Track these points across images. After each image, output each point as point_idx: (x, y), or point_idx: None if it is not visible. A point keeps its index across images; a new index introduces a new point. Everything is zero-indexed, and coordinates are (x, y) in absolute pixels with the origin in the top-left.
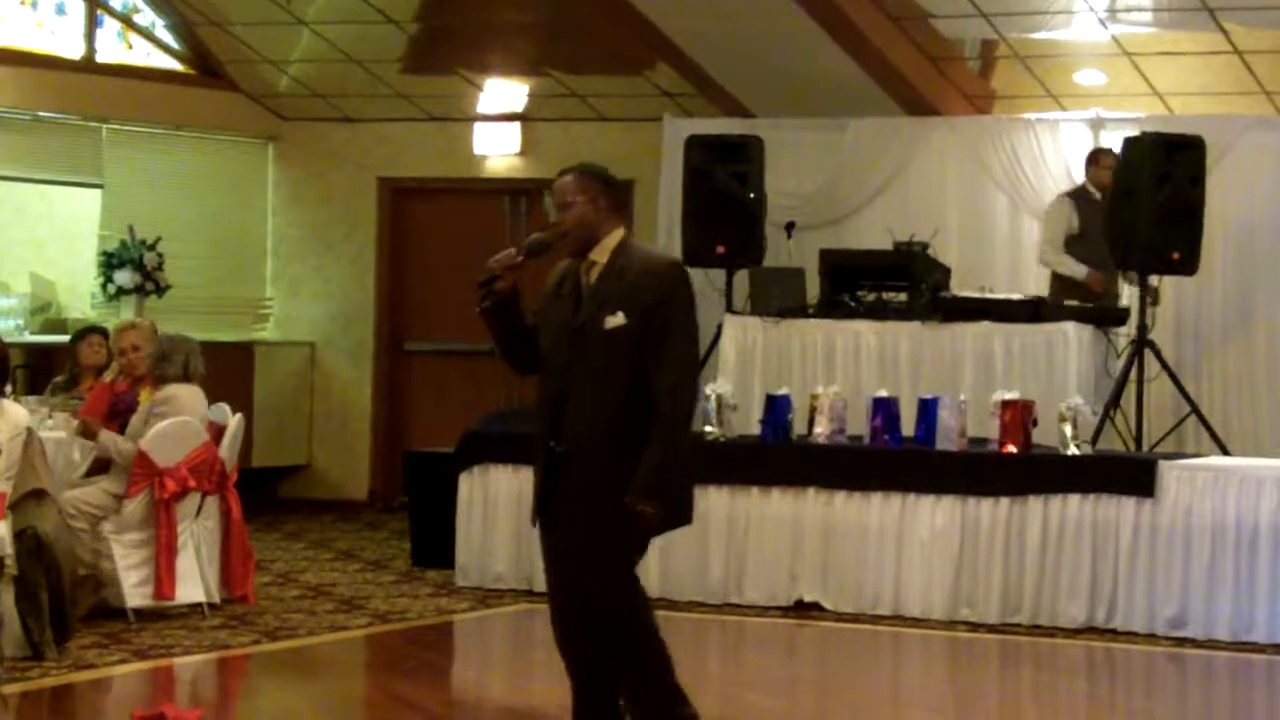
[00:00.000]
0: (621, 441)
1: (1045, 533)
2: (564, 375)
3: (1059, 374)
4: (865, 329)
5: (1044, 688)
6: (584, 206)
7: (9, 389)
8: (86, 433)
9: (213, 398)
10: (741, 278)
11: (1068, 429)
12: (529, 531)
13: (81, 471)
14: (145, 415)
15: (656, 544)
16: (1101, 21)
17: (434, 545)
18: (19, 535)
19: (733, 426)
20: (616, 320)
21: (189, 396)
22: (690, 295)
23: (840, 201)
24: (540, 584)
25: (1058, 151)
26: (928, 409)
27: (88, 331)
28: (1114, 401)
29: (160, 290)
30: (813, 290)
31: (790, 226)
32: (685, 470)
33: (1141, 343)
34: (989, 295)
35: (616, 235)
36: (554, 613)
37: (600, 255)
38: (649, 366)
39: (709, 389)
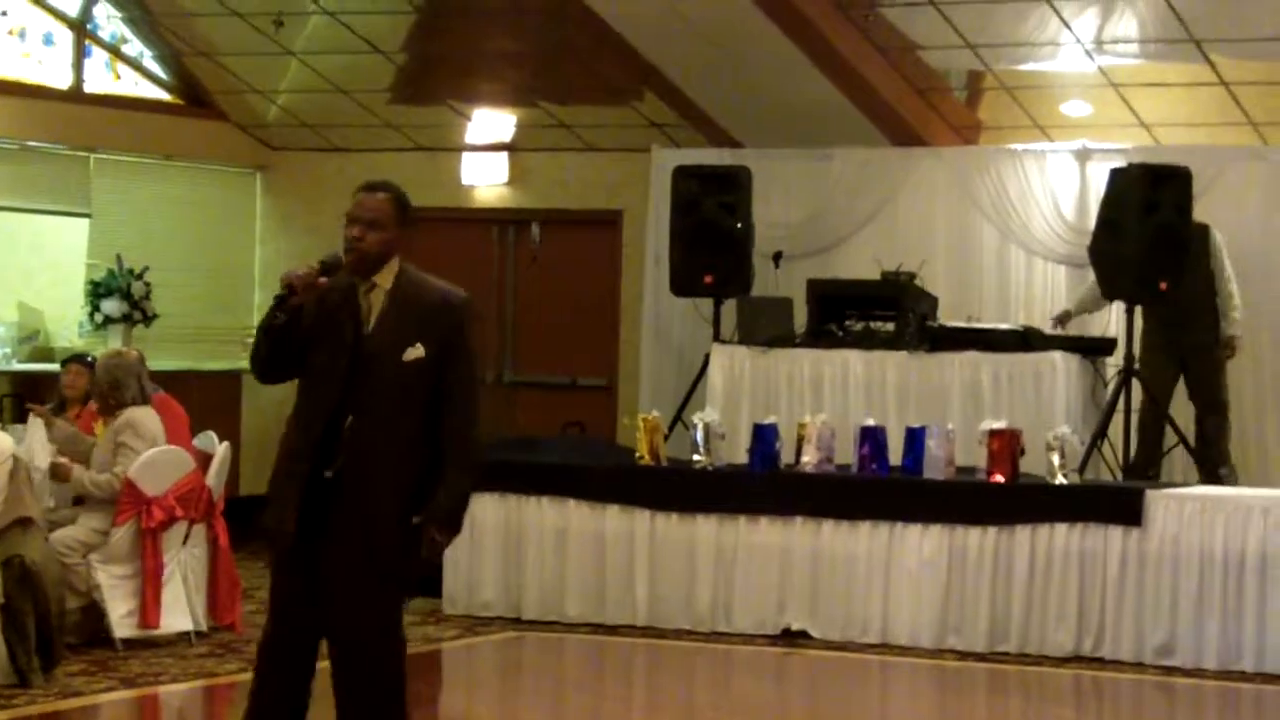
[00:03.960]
0: (413, 471)
1: (1033, 561)
2: (343, 397)
3: (1046, 403)
4: (853, 358)
5: (1032, 716)
6: (393, 231)
7: None
8: (58, 475)
9: (200, 426)
10: (729, 307)
11: (1055, 458)
12: (517, 559)
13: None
14: (110, 445)
15: (643, 571)
16: (1088, 53)
17: (421, 573)
18: (6, 563)
19: (720, 455)
20: (416, 352)
21: (145, 418)
22: (477, 327)
23: (828, 231)
24: (531, 611)
25: (1045, 182)
26: (915, 438)
27: (68, 362)
28: (1101, 431)
29: (148, 319)
30: (800, 320)
31: (778, 256)
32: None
33: (1129, 372)
34: (976, 325)
35: (397, 259)
36: (282, 653)
37: (384, 280)
38: (443, 398)
39: (697, 418)
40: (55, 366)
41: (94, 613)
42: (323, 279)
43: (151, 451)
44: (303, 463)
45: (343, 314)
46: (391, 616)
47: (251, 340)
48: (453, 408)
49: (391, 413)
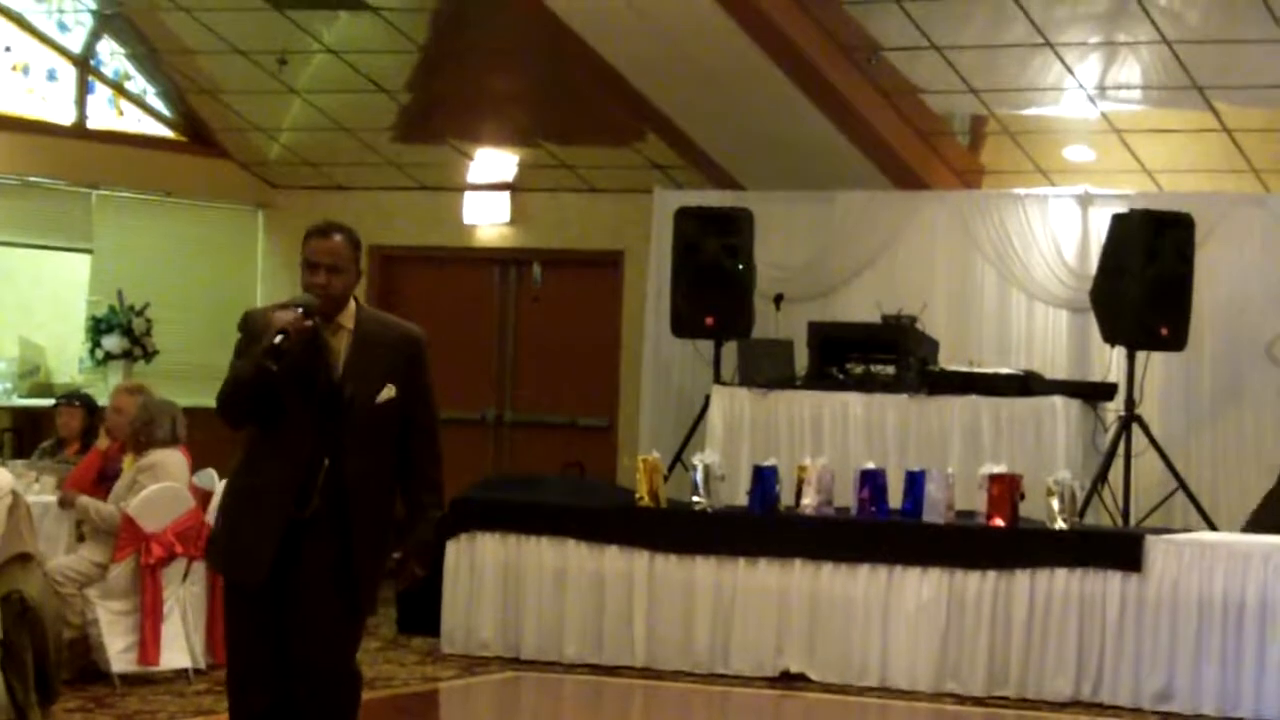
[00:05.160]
0: (388, 506)
1: (1032, 606)
2: (317, 441)
3: (1047, 448)
4: (853, 401)
5: None
6: (353, 272)
7: None
8: (64, 503)
9: (200, 463)
10: (730, 349)
11: (1055, 503)
12: (516, 599)
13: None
14: (130, 482)
15: (642, 612)
16: (1091, 99)
17: (420, 612)
18: (4, 599)
19: (720, 497)
20: (389, 393)
21: (172, 462)
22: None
23: (829, 274)
24: (529, 651)
25: (1046, 227)
26: (915, 481)
27: (62, 400)
28: (1101, 476)
29: (148, 356)
30: (801, 362)
31: (779, 298)
32: None
33: (1129, 418)
34: (977, 369)
35: (353, 298)
36: (249, 687)
37: (346, 320)
38: (410, 433)
39: (697, 459)
40: (54, 402)
41: (84, 645)
42: (308, 322)
43: (152, 488)
44: (277, 508)
45: (310, 358)
46: (355, 650)
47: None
48: (422, 443)
49: (366, 453)
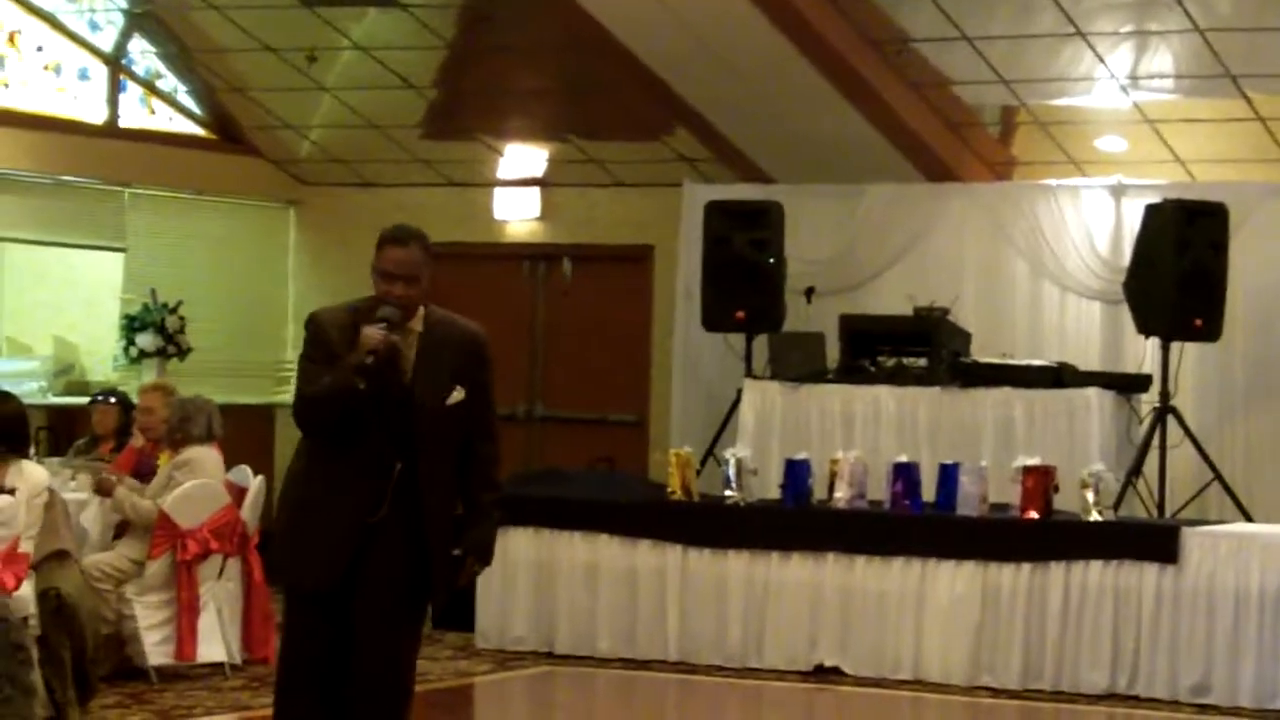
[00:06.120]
0: (453, 505)
1: (1067, 599)
2: (394, 446)
3: (1080, 440)
4: (885, 394)
5: None
6: (426, 279)
7: (31, 451)
8: (102, 489)
9: (234, 460)
10: (761, 343)
11: (1090, 495)
12: (549, 594)
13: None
14: (165, 479)
15: (675, 606)
16: (1123, 88)
17: (454, 607)
18: (42, 596)
19: (752, 491)
20: (458, 396)
21: (208, 459)
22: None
23: (860, 267)
24: (563, 646)
25: (1079, 218)
26: (948, 475)
27: (98, 398)
28: (1136, 468)
29: (182, 353)
30: (832, 355)
31: (810, 292)
32: None
33: (1164, 409)
34: (1009, 361)
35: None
36: (306, 695)
37: (416, 324)
38: (475, 434)
39: (729, 454)
40: (88, 400)
41: (121, 641)
42: (394, 338)
43: (187, 485)
44: (350, 514)
45: (385, 366)
46: (416, 658)
47: (285, 373)
48: (483, 442)
49: (436, 455)
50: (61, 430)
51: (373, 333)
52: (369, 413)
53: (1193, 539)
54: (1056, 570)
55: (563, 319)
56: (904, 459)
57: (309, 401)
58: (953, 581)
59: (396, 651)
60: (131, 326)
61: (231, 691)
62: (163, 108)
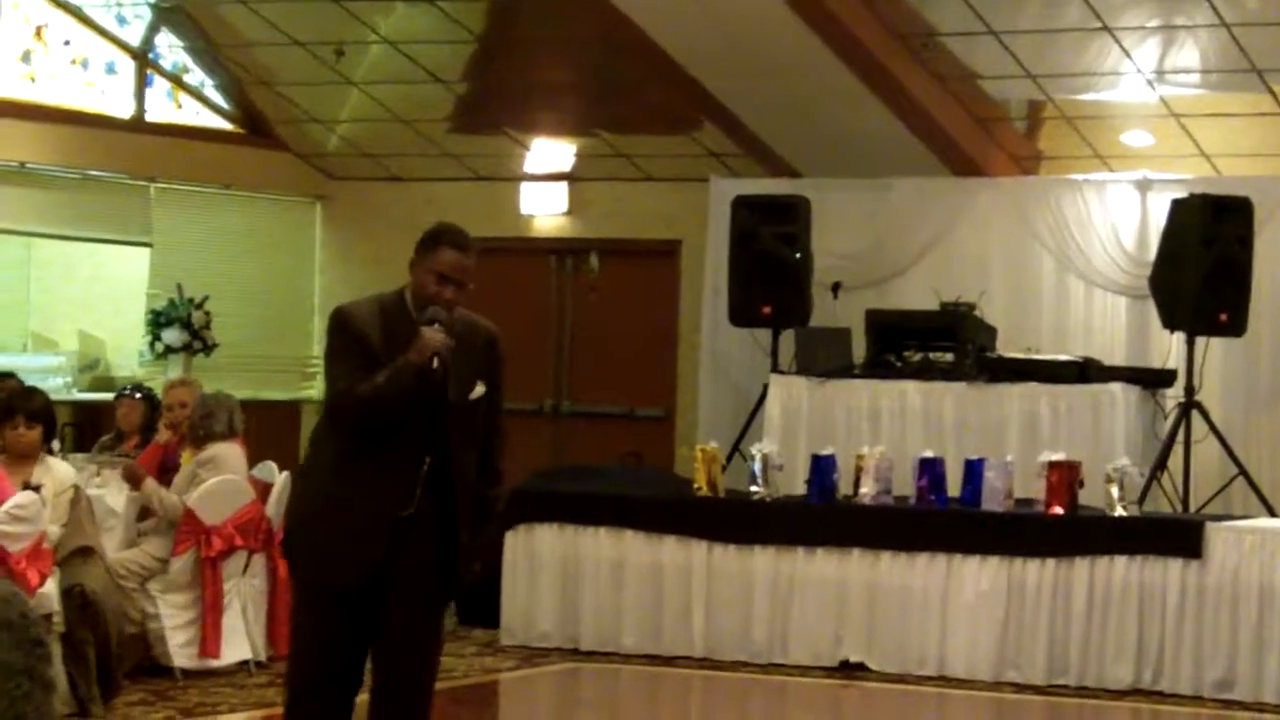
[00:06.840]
0: (474, 499)
1: (1092, 594)
2: (424, 443)
3: (1105, 435)
4: (911, 389)
5: None
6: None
7: (56, 446)
8: (131, 479)
9: (259, 456)
10: (787, 338)
11: (1115, 490)
12: (575, 590)
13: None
14: (190, 475)
15: (700, 602)
16: (1149, 83)
17: (479, 604)
18: (66, 592)
19: (778, 486)
20: (479, 391)
21: (231, 455)
22: None
23: (886, 262)
24: (588, 642)
25: (1105, 212)
26: (974, 470)
27: (123, 393)
28: (1161, 463)
29: (208, 348)
30: (859, 350)
31: (836, 287)
32: None
33: (1189, 404)
34: (1035, 356)
35: None
36: (327, 692)
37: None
38: (488, 429)
39: (755, 449)
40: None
41: (145, 638)
42: (451, 342)
43: (211, 481)
44: (382, 510)
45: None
46: (440, 653)
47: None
48: (494, 436)
49: (462, 450)
50: (87, 426)
51: (436, 335)
52: (407, 409)
53: (1217, 534)
54: (1081, 565)
55: (590, 314)
56: (929, 454)
57: (364, 402)
58: (978, 577)
59: (428, 649)
60: (157, 321)
61: (256, 689)
62: (190, 102)
